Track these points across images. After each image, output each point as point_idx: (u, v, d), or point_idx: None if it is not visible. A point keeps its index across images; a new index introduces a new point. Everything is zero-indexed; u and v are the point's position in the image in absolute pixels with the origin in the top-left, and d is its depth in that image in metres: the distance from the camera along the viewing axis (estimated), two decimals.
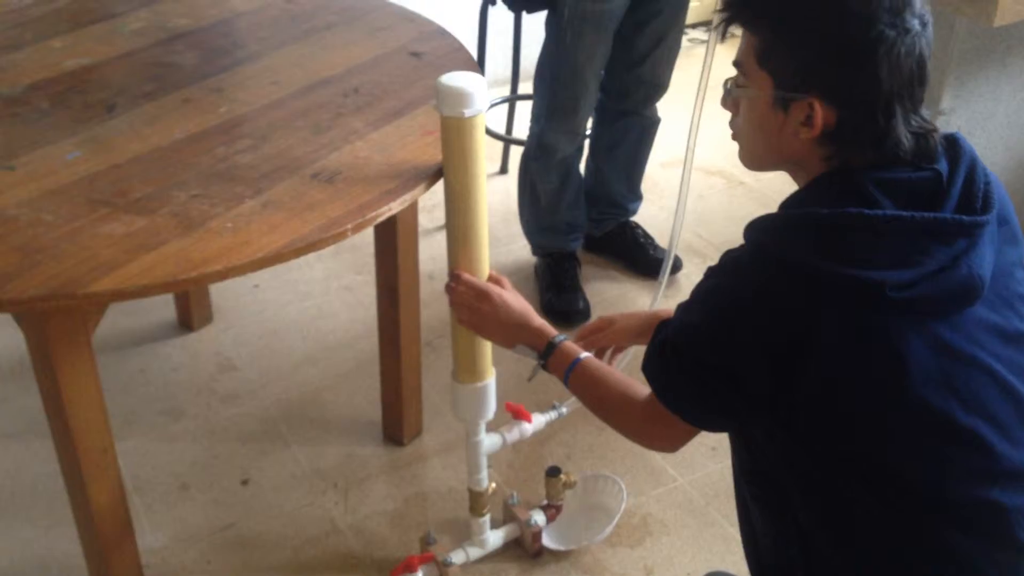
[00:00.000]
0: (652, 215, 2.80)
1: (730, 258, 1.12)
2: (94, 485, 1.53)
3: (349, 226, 1.40)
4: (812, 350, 1.03)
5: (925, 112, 1.08)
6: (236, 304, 2.50)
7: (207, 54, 1.84)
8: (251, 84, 1.75)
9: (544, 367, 1.42)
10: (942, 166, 1.08)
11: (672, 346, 1.14)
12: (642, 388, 1.28)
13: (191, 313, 2.38)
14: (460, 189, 1.49)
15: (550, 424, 1.90)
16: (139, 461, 2.06)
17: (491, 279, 1.54)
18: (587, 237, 2.63)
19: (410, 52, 1.86)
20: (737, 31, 1.14)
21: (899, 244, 1.02)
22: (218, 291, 2.50)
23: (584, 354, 1.38)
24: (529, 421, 1.83)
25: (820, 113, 1.06)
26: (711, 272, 1.13)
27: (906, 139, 1.05)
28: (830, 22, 1.04)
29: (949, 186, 1.06)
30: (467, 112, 1.43)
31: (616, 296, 2.57)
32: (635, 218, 2.70)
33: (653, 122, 2.54)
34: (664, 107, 2.54)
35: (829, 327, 1.02)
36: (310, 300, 2.54)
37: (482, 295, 1.49)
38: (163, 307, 2.44)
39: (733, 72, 1.15)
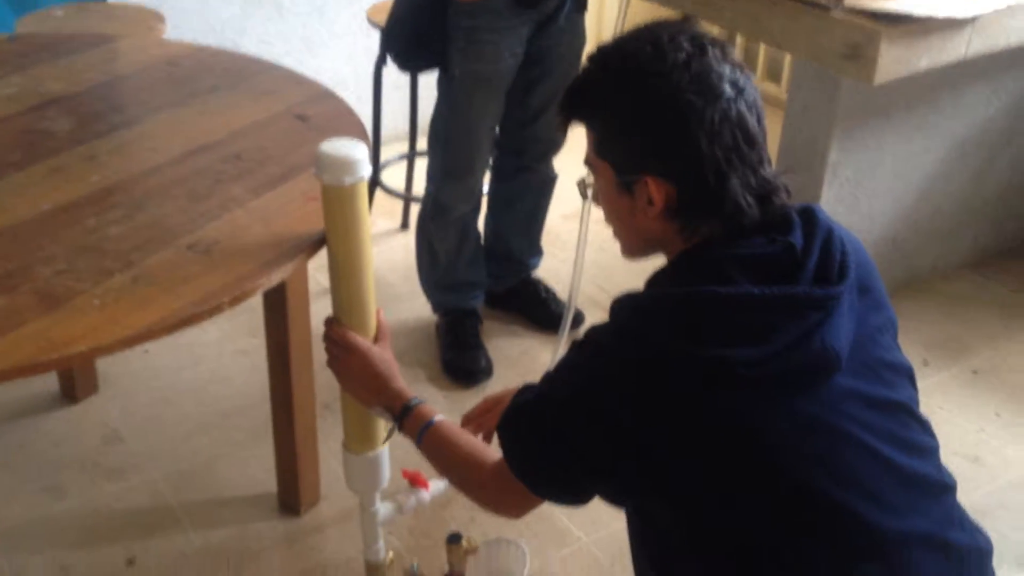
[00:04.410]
0: (555, 268, 2.80)
1: (593, 336, 1.13)
2: None
3: (226, 299, 1.35)
4: (666, 431, 1.03)
5: (770, 172, 1.10)
6: (124, 371, 2.41)
7: (82, 120, 1.78)
8: (127, 151, 1.69)
9: (400, 429, 1.40)
10: (796, 238, 1.09)
11: (528, 414, 1.16)
12: (493, 453, 1.27)
13: (75, 383, 2.28)
14: (344, 258, 1.45)
15: (450, 488, 1.86)
16: (16, 544, 1.95)
17: (378, 327, 1.50)
18: (489, 293, 2.61)
19: (295, 115, 1.83)
20: None
21: (751, 321, 1.03)
22: (105, 358, 2.40)
23: (438, 417, 1.36)
24: (426, 488, 1.79)
25: (655, 189, 1.09)
26: (575, 347, 1.14)
27: (746, 202, 1.07)
28: (641, 102, 1.08)
29: (805, 258, 1.07)
30: (348, 180, 1.39)
31: (519, 353, 2.54)
32: (538, 272, 2.69)
33: (550, 178, 2.54)
34: (562, 160, 2.55)
35: (682, 408, 1.03)
36: (203, 365, 2.46)
37: (348, 348, 1.45)
38: (45, 377, 2.33)
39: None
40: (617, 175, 1.13)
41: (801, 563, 1.05)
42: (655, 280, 1.13)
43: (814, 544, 1.04)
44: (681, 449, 1.03)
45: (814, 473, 1.03)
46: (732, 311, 1.03)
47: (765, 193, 1.08)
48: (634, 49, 1.09)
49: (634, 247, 1.19)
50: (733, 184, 1.06)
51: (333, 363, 1.48)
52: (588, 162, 1.18)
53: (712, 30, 4.06)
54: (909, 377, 1.17)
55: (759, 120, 1.09)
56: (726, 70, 1.07)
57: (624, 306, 1.11)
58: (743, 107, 1.07)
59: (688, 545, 1.10)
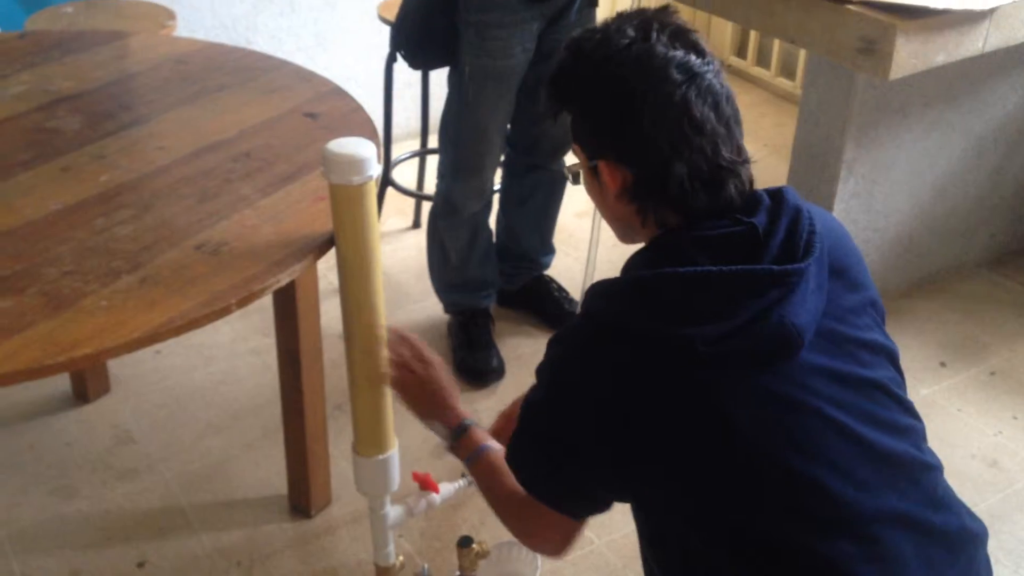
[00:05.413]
0: (568, 266, 2.78)
1: (566, 328, 1.15)
2: None
3: (233, 301, 1.34)
4: (637, 413, 1.05)
5: (727, 159, 1.09)
6: (136, 372, 2.40)
7: (91, 119, 1.77)
8: (136, 150, 1.68)
9: (452, 449, 1.40)
10: (760, 219, 1.09)
11: (520, 429, 1.17)
12: None
13: (86, 384, 2.27)
14: (352, 258, 1.44)
15: (460, 491, 1.84)
16: (27, 546, 1.94)
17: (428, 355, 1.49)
18: (501, 292, 2.59)
19: (305, 113, 1.81)
20: None
21: (711, 299, 1.04)
22: (117, 359, 2.39)
23: (489, 443, 1.36)
24: (436, 491, 1.77)
25: (607, 173, 1.12)
26: (549, 344, 1.15)
27: (691, 187, 1.08)
28: (589, 88, 1.11)
29: (768, 238, 1.07)
30: (356, 179, 1.38)
31: (531, 353, 2.52)
32: (550, 271, 2.67)
33: (562, 175, 2.51)
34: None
35: (646, 386, 1.04)
36: (215, 365, 2.45)
37: (424, 361, 1.45)
38: (57, 377, 2.32)
39: None
40: (588, 159, 1.16)
41: (774, 538, 1.04)
42: (627, 266, 1.15)
43: (784, 518, 1.04)
44: (649, 427, 1.05)
45: (779, 447, 1.03)
46: (692, 290, 1.04)
47: (716, 180, 1.08)
48: (588, 36, 1.13)
49: (617, 232, 1.21)
50: (677, 169, 1.07)
51: (400, 373, 1.46)
52: (572, 149, 1.21)
53: (726, 25, 4.02)
54: (889, 358, 1.16)
55: (716, 106, 1.08)
56: (676, 55, 1.08)
57: (597, 293, 1.13)
58: (691, 93, 1.07)
59: (674, 531, 1.10)
